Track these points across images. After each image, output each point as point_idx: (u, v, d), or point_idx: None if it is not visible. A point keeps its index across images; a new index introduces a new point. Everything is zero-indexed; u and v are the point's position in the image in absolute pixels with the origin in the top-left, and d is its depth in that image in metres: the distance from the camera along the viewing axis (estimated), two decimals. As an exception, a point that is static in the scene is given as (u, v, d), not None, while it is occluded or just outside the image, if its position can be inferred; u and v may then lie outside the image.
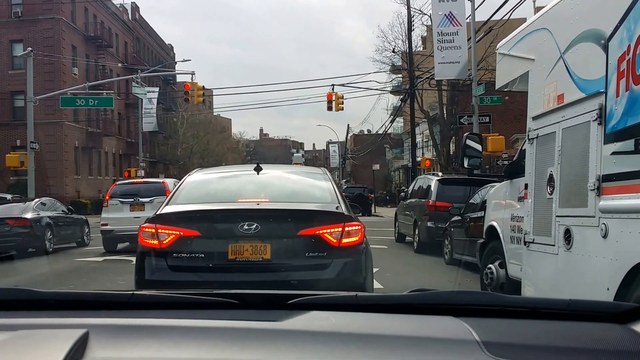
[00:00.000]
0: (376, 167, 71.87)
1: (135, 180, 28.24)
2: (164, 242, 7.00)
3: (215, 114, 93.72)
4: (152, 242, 7.07)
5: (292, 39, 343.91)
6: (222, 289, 2.42)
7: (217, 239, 7.20)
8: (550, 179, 7.30)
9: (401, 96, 51.05)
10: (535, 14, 9.95)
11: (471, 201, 16.00)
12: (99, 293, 2.54)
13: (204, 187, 8.53)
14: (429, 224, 19.39)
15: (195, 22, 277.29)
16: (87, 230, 25.40)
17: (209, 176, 9.10)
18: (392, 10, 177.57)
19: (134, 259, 7.67)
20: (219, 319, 2.13)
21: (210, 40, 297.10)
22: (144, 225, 7.34)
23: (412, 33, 43.61)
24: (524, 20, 13.84)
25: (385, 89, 55.03)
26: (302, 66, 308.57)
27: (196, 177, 8.73)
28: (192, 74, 38.06)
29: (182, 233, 7.02)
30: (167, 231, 7.03)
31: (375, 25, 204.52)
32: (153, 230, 7.08)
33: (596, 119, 6.17)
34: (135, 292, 2.46)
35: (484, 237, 11.00)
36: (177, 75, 76.73)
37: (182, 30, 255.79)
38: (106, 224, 22.20)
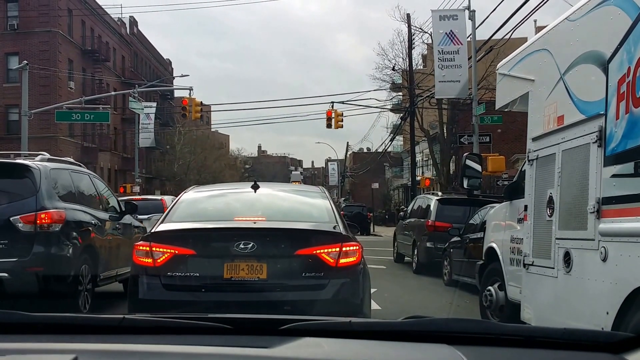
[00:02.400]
0: (375, 185, 71.81)
1: (133, 198, 28.19)
2: (158, 260, 6.92)
3: (213, 130, 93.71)
4: (146, 260, 7.00)
5: (285, 54, 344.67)
6: (216, 311, 2.40)
7: (212, 258, 7.13)
8: (550, 201, 7.27)
9: (401, 114, 51.11)
10: (536, 33, 9.96)
11: (471, 222, 15.95)
12: (89, 317, 2.50)
13: (200, 205, 8.49)
14: (428, 244, 19.29)
15: (184, 36, 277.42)
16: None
17: (205, 194, 9.07)
18: (386, 27, 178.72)
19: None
20: (211, 344, 2.11)
21: (200, 55, 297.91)
22: (138, 243, 7.30)
23: (413, 51, 43.70)
24: (524, 39, 13.86)
25: (385, 107, 55.10)
26: (297, 82, 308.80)
27: (192, 195, 8.67)
28: (190, 89, 37.88)
29: (177, 252, 6.95)
30: (161, 249, 6.96)
31: (368, 42, 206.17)
32: (147, 249, 7.01)
33: (596, 141, 6.16)
34: (126, 316, 2.43)
35: (483, 258, 10.93)
36: (175, 91, 76.67)
37: (171, 44, 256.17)
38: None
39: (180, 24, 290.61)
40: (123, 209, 13.18)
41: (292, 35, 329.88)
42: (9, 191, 10.12)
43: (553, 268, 7.12)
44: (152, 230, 7.42)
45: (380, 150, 67.48)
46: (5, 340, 2.15)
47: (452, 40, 29.06)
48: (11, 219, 9.59)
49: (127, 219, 13.33)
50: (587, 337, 2.31)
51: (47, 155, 11.45)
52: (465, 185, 10.77)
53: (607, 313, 5.71)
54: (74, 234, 10.33)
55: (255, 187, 8.29)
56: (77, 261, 10.25)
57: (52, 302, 9.39)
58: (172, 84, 72.44)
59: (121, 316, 2.40)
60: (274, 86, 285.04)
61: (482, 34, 31.78)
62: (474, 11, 28.84)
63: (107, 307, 11.48)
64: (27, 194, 9.88)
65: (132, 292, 7.19)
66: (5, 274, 9.36)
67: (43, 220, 9.71)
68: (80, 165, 12.69)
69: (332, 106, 39.14)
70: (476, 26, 29.03)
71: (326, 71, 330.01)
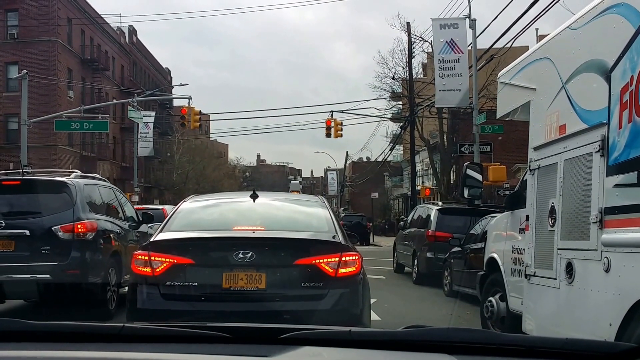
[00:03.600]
0: (375, 195, 71.76)
1: (135, 207, 28.14)
2: (157, 270, 6.89)
3: (211, 139, 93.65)
4: (145, 269, 6.97)
5: (281, 63, 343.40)
6: (215, 320, 2.39)
7: (211, 267, 7.09)
8: (552, 211, 7.23)
9: (401, 123, 51.12)
10: (537, 42, 9.95)
11: (472, 232, 15.90)
12: (88, 325, 2.48)
13: (199, 214, 8.46)
14: (428, 254, 19.22)
15: (180, 45, 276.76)
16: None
17: (204, 203, 9.06)
18: (383, 36, 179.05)
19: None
20: (210, 353, 2.10)
21: (197, 64, 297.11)
22: (137, 252, 7.28)
23: (413, 60, 43.71)
24: (526, 48, 13.89)
25: (385, 116, 55.09)
26: (293, 90, 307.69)
27: (191, 204, 8.66)
28: (189, 98, 37.74)
29: (175, 261, 6.92)
30: (160, 259, 6.93)
31: (365, 51, 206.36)
32: (146, 258, 6.99)
33: (598, 151, 6.12)
34: (126, 325, 2.42)
35: (484, 269, 10.89)
36: (174, 100, 76.65)
37: (168, 53, 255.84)
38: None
39: (177, 33, 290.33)
40: (140, 218, 14.81)
41: (288, 43, 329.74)
42: (49, 204, 11.51)
43: (555, 279, 7.07)
44: (151, 240, 7.40)
45: (380, 159, 67.54)
46: (6, 348, 2.14)
47: (452, 49, 29.08)
48: (52, 228, 11.09)
49: (144, 227, 14.81)
50: (589, 348, 2.29)
51: (80, 173, 13.25)
52: (465, 195, 10.74)
53: (610, 324, 5.66)
54: (103, 241, 11.98)
55: (254, 197, 8.25)
56: (106, 265, 11.90)
57: (84, 300, 11.21)
58: (171, 93, 72.49)
59: (121, 324, 2.39)
60: (270, 95, 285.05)
61: (483, 43, 31.79)
62: (475, 20, 28.92)
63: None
64: (65, 207, 11.39)
65: (131, 301, 7.16)
66: (48, 275, 10.82)
67: (79, 230, 11.25)
68: (105, 181, 14.69)
69: (332, 115, 39.18)
70: (477, 35, 29.11)
71: (323, 80, 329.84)
